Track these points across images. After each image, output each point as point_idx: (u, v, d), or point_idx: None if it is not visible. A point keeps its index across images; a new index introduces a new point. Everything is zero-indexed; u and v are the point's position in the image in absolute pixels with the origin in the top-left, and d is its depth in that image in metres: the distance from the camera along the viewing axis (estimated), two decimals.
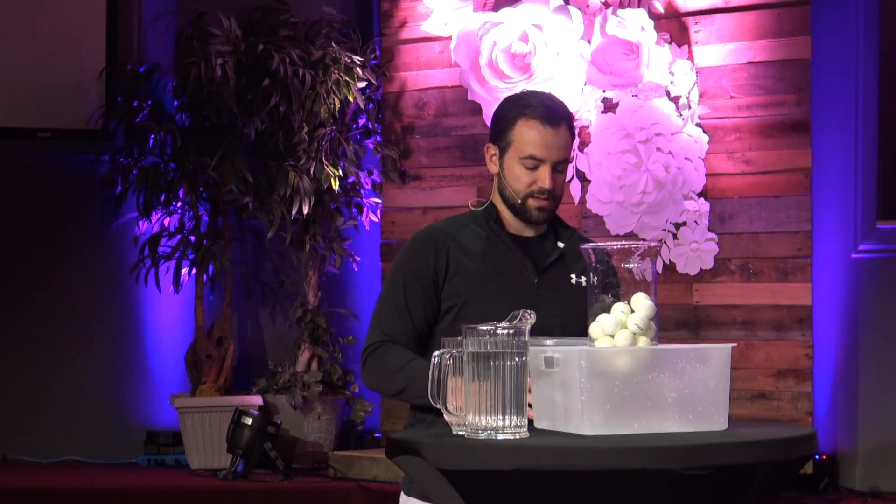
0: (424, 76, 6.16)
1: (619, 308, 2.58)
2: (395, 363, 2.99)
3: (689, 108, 5.57)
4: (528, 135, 2.99)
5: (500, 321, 2.87)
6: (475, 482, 2.41)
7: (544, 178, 2.99)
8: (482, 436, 2.47)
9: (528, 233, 3.10)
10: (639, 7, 5.63)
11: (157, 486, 5.71)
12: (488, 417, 2.47)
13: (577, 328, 2.80)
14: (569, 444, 2.39)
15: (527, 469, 2.34)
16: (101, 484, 5.75)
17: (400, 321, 3.03)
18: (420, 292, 3.02)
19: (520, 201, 3.03)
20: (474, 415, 2.49)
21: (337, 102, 6.03)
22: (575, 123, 5.70)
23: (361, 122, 6.29)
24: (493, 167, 3.09)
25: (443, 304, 3.02)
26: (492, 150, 3.08)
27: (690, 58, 5.60)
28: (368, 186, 6.29)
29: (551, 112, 3.01)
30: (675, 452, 2.34)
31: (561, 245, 3.10)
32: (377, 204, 6.31)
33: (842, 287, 5.60)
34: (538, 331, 2.79)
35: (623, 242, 2.63)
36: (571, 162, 3.10)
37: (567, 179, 5.75)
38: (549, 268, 3.06)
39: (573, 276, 3.05)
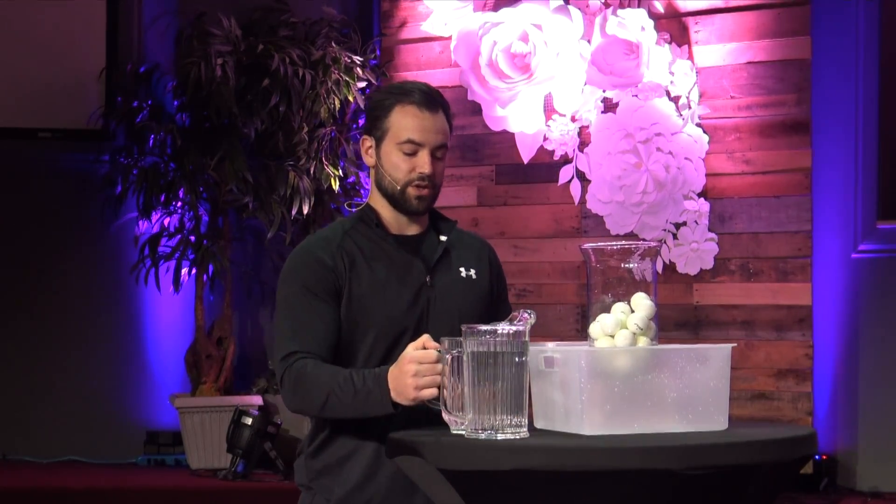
0: (424, 76, 6.16)
1: (619, 308, 2.57)
2: (315, 375, 2.82)
3: (689, 108, 5.57)
4: (406, 120, 2.91)
5: (399, 323, 2.86)
6: (475, 482, 2.41)
7: (424, 162, 2.90)
8: (482, 436, 2.47)
9: (411, 231, 3.00)
10: (639, 7, 5.64)
11: (157, 486, 5.71)
12: (488, 417, 2.47)
13: (473, 321, 2.68)
14: (569, 444, 2.38)
15: (526, 469, 2.34)
16: (101, 484, 5.74)
17: (312, 329, 2.86)
18: (326, 297, 2.88)
19: (399, 189, 2.92)
20: (474, 415, 2.49)
21: (337, 102, 6.03)
22: (575, 123, 5.76)
23: (361, 122, 6.29)
24: (370, 160, 2.98)
25: (342, 309, 2.89)
26: (367, 143, 2.98)
27: (690, 58, 5.60)
28: (368, 186, 6.28)
29: (428, 97, 2.93)
30: (675, 452, 2.34)
31: (443, 239, 3.01)
32: None
33: (842, 287, 5.60)
34: (435, 330, 2.76)
35: (623, 242, 2.63)
36: (445, 149, 3.01)
37: (567, 179, 5.79)
38: (437, 264, 2.97)
39: (462, 269, 3.00)
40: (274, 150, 6.05)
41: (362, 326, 2.88)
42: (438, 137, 2.92)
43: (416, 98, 2.92)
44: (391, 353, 2.87)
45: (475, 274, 3.00)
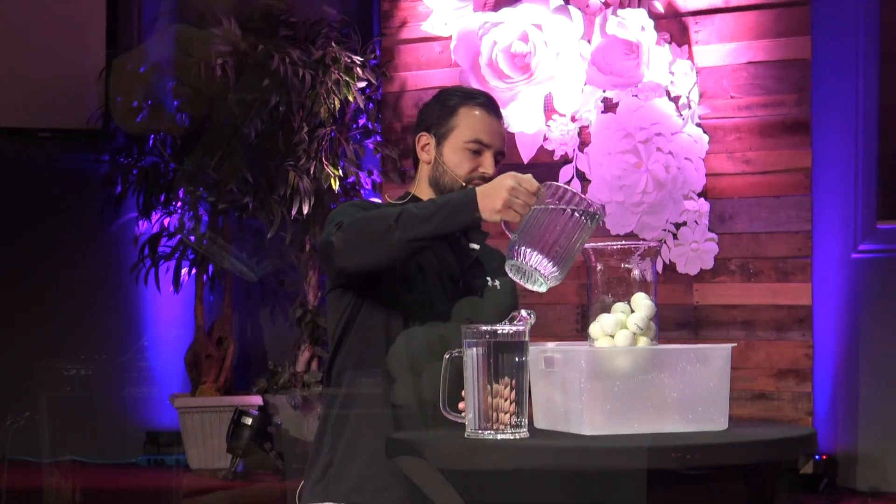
0: (424, 76, 6.16)
1: (619, 308, 2.57)
2: (382, 208, 2.78)
3: (689, 108, 5.57)
4: (472, 120, 2.96)
5: (426, 311, 2.87)
6: (475, 482, 2.41)
7: (489, 163, 2.95)
8: (482, 436, 2.47)
9: None
10: (639, 7, 5.63)
11: (157, 486, 5.71)
12: (488, 417, 2.47)
13: None
14: (569, 444, 2.38)
15: (527, 469, 2.34)
16: (101, 484, 5.74)
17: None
18: None
19: (461, 186, 2.93)
20: (474, 414, 2.49)
21: (337, 102, 6.03)
22: (575, 123, 5.76)
23: (361, 122, 6.29)
24: (426, 156, 3.00)
25: (384, 282, 2.88)
26: (425, 139, 3.00)
27: (690, 58, 5.60)
28: (368, 186, 6.29)
29: (493, 102, 3.02)
30: (675, 452, 2.33)
31: (475, 247, 3.04)
32: None
33: (842, 287, 5.60)
34: (455, 330, 2.66)
35: (623, 242, 2.63)
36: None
37: (567, 179, 5.79)
38: (468, 268, 3.00)
39: (488, 278, 3.02)
40: (274, 150, 6.05)
41: (398, 303, 2.87)
42: (501, 143, 3.00)
43: (482, 101, 3.00)
44: (411, 326, 2.88)
45: (499, 285, 3.03)
